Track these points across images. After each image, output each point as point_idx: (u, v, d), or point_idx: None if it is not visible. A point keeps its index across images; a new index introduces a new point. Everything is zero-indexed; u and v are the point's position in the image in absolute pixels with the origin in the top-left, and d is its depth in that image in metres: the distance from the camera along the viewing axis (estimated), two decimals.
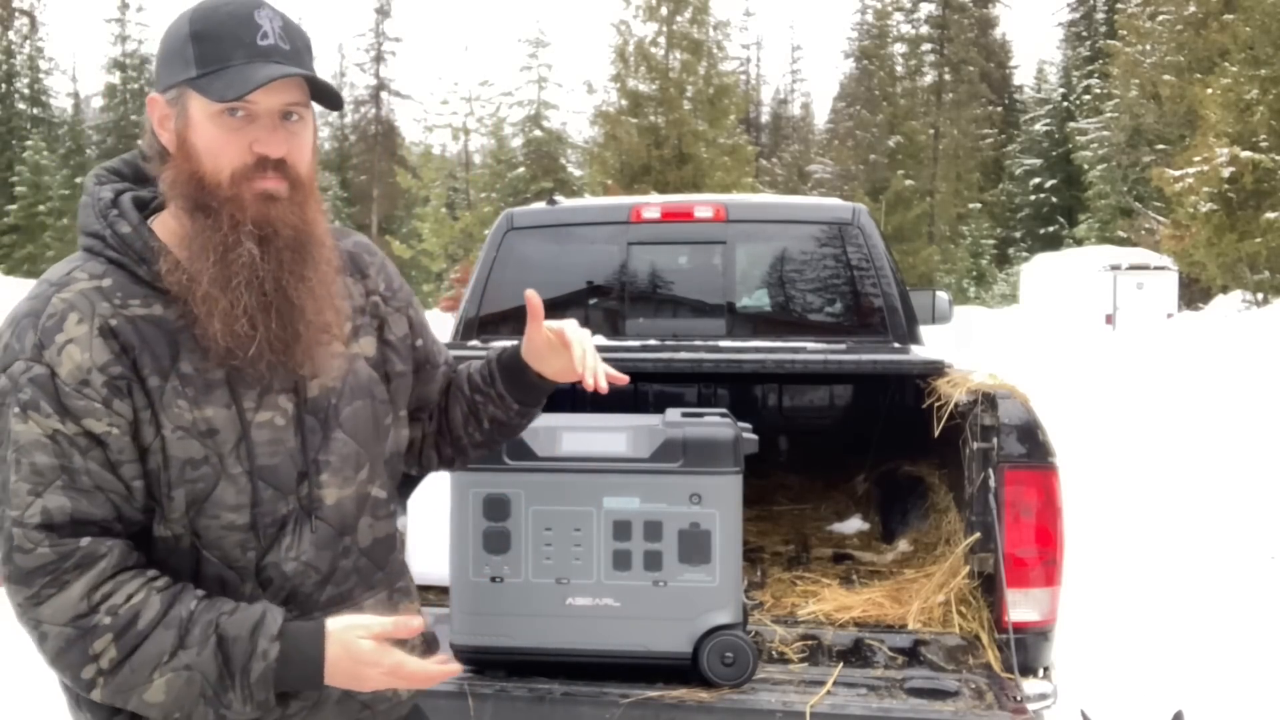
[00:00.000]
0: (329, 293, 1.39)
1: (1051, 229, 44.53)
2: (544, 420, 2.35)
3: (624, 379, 1.52)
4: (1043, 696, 2.38)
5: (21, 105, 49.36)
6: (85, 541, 1.25)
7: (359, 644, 1.30)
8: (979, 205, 46.91)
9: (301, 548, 1.37)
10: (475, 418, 1.66)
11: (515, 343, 1.63)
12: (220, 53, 1.29)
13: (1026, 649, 2.43)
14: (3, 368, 1.27)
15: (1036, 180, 47.37)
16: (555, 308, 4.13)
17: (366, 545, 1.46)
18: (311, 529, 1.38)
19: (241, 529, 1.33)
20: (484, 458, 1.79)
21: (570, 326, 1.53)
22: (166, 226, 1.36)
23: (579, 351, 1.50)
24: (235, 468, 1.32)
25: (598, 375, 1.49)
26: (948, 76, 47.62)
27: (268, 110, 1.31)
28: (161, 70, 1.35)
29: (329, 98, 1.37)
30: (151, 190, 1.39)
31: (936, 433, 2.70)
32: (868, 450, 4.06)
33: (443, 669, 1.38)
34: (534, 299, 1.52)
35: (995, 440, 2.44)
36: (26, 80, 49.51)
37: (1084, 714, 2.44)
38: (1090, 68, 43.87)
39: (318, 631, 1.30)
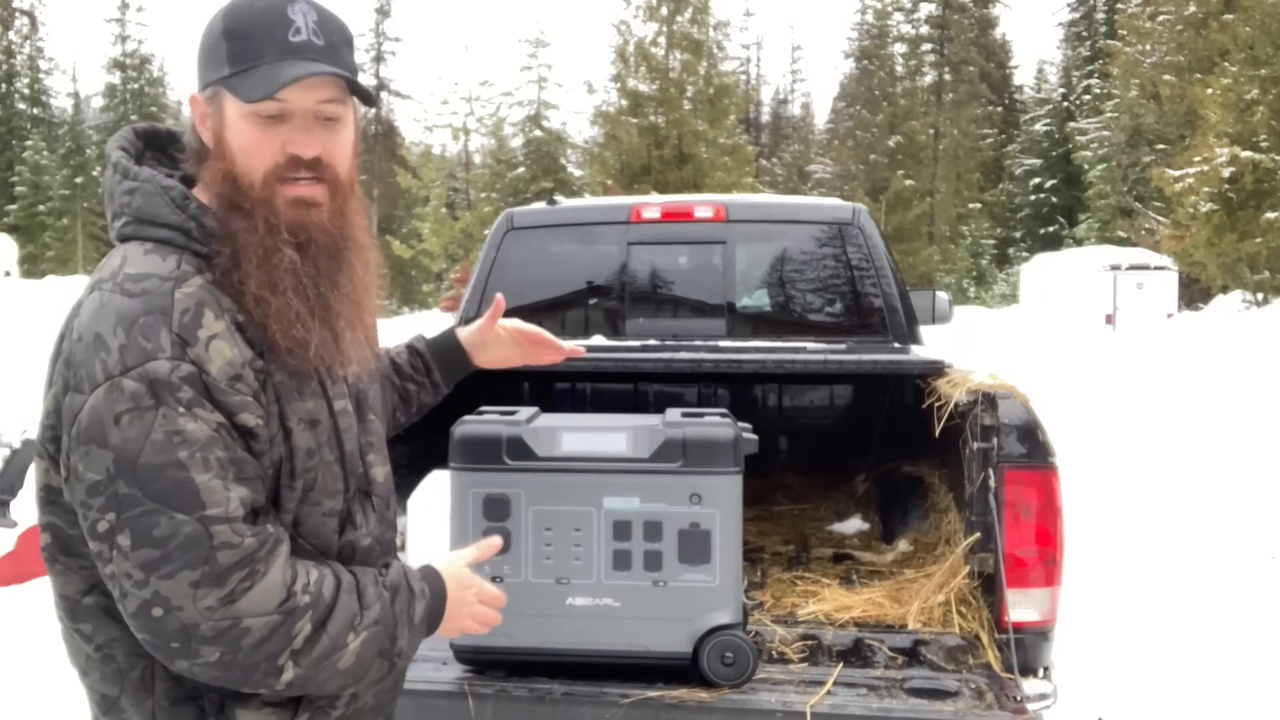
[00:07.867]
0: (367, 295, 1.41)
1: (1051, 229, 44.53)
2: (544, 420, 2.35)
3: (581, 351, 1.99)
4: (1043, 696, 2.38)
5: (21, 105, 49.40)
6: (270, 527, 1.26)
7: (464, 570, 1.48)
8: (979, 205, 46.92)
9: (369, 525, 1.43)
10: (405, 403, 1.81)
11: (438, 335, 1.89)
12: (252, 50, 1.27)
13: (1026, 649, 2.42)
14: (132, 367, 1.18)
15: (1036, 180, 47.37)
16: (555, 308, 4.19)
17: (395, 516, 1.55)
18: (373, 506, 1.45)
19: (336, 514, 1.37)
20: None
21: (528, 325, 1.90)
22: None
23: (551, 338, 1.91)
24: (330, 455, 1.36)
25: (574, 349, 1.95)
26: (948, 76, 47.61)
27: (302, 109, 1.29)
28: (199, 68, 1.33)
29: (362, 95, 1.35)
30: (166, 170, 1.37)
31: (936, 433, 2.70)
32: (868, 450, 4.06)
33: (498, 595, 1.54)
34: (500, 301, 1.86)
35: (995, 440, 2.44)
36: (26, 80, 49.53)
37: None
38: (1090, 68, 43.87)
39: (433, 571, 1.46)
